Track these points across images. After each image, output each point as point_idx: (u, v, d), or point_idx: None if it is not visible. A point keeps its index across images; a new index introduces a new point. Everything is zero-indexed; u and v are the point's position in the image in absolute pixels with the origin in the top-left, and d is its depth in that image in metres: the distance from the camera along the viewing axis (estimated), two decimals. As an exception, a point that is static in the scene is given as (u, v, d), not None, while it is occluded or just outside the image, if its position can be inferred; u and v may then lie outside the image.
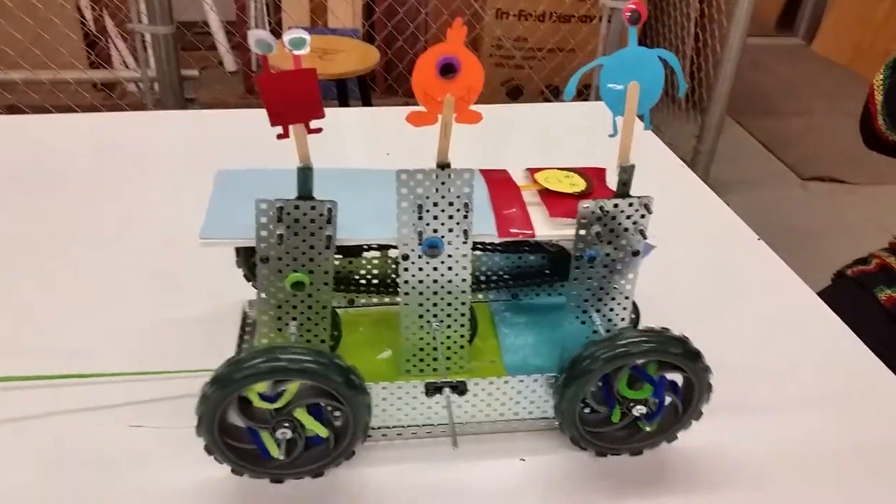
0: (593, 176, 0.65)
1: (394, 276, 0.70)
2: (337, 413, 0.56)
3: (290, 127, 0.52)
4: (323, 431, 0.56)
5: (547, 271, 0.71)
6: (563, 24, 2.89)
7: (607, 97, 0.55)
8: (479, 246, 0.71)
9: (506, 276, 0.71)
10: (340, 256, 0.69)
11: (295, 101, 0.51)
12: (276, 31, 2.97)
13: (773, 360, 0.74)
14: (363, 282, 0.70)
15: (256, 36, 0.49)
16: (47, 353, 0.69)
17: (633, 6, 0.54)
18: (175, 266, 0.81)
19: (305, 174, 0.54)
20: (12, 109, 2.34)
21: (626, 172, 0.57)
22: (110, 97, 2.84)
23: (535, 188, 0.63)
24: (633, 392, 0.59)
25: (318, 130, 0.53)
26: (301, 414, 0.55)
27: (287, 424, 0.54)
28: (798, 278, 0.87)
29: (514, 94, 3.06)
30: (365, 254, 0.69)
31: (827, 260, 1.27)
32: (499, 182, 0.64)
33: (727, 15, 2.37)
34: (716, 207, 1.02)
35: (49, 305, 0.75)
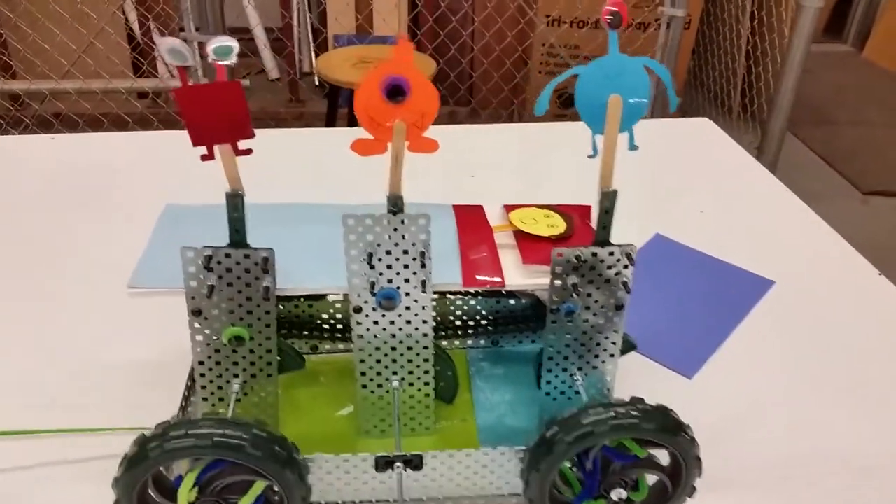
0: (576, 215, 0.57)
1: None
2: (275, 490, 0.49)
3: (216, 147, 0.46)
4: None
5: (529, 318, 0.64)
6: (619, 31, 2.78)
7: (585, 112, 0.48)
8: (459, 291, 0.64)
9: (484, 322, 0.64)
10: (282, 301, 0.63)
11: (219, 117, 0.45)
12: (322, 40, 2.93)
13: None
14: (326, 326, 0.64)
15: (168, 45, 0.43)
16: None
17: (612, 8, 0.47)
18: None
19: (235, 202, 0.48)
20: (65, 121, 2.35)
21: (608, 199, 0.49)
22: (159, 106, 2.84)
23: (509, 229, 0.56)
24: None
25: (248, 152, 0.47)
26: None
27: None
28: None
29: (567, 103, 2.97)
30: (329, 297, 0.63)
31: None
32: (470, 222, 0.57)
33: (790, 25, 2.24)
34: (828, 239, 0.93)
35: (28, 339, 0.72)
